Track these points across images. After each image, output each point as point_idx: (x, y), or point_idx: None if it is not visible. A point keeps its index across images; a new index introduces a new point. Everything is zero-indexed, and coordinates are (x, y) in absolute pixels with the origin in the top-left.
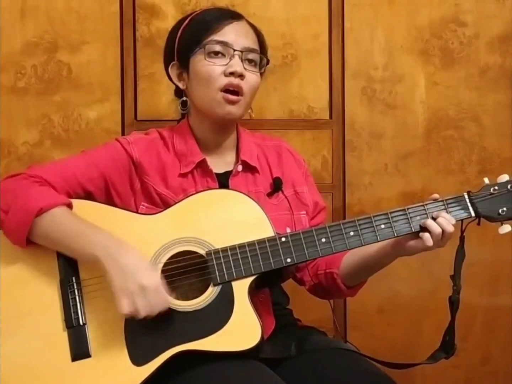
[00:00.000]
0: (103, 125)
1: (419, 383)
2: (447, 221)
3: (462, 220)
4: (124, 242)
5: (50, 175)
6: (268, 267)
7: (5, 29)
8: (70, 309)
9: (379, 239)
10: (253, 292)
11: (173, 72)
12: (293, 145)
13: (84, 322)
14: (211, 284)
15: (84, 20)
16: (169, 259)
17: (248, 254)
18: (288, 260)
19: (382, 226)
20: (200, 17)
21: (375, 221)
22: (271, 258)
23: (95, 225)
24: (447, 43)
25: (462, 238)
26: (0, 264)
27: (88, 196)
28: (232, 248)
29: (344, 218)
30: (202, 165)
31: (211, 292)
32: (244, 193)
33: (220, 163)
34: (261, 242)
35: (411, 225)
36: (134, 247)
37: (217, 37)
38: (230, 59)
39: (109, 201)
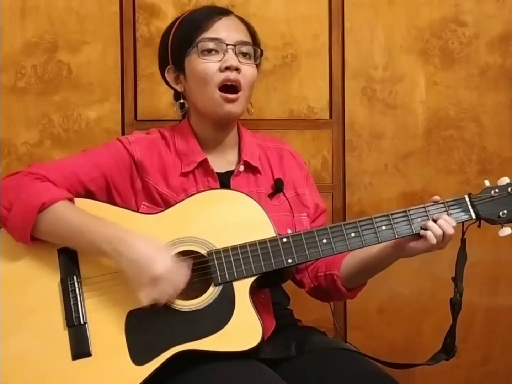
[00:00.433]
0: (103, 125)
1: (419, 383)
2: (447, 223)
3: (463, 222)
4: (130, 232)
5: (51, 174)
6: (269, 268)
7: (5, 29)
8: (71, 308)
9: (380, 240)
10: (254, 292)
11: (169, 76)
12: (293, 145)
13: (85, 321)
14: (212, 284)
15: (84, 20)
16: None
17: (249, 254)
18: (289, 260)
19: (383, 227)
20: (189, 18)
21: (376, 222)
22: (272, 258)
23: (99, 218)
24: (447, 43)
25: (463, 240)
26: (1, 262)
27: (89, 195)
28: (233, 248)
29: (344, 219)
30: (203, 165)
31: (212, 292)
32: (245, 193)
33: (222, 162)
34: (262, 242)
35: (412, 227)
36: (141, 233)
37: (208, 34)
38: (224, 54)
39: (110, 201)
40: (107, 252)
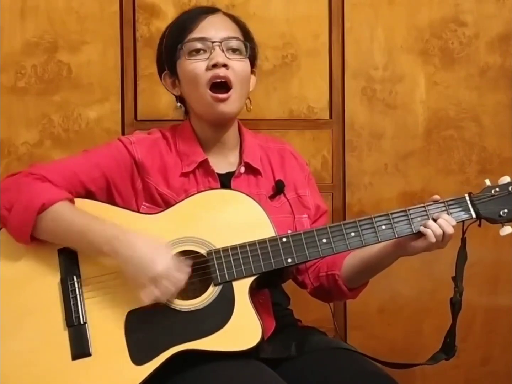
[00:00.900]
0: (103, 125)
1: (419, 383)
2: (447, 222)
3: (463, 222)
4: (129, 232)
5: (52, 174)
6: (269, 267)
7: (5, 29)
8: (71, 308)
9: (380, 240)
10: (254, 292)
11: (166, 82)
12: (293, 145)
13: (84, 321)
14: (212, 283)
15: (84, 20)
16: None
17: (249, 254)
18: (289, 260)
19: (383, 227)
20: (177, 21)
21: (376, 221)
22: (272, 258)
23: (99, 218)
24: (447, 43)
25: (463, 240)
26: (1, 263)
27: (89, 195)
28: (233, 248)
29: (344, 218)
30: (204, 165)
31: (212, 292)
32: (245, 193)
33: (223, 163)
34: (262, 242)
35: (412, 226)
36: (140, 233)
37: (194, 34)
38: (211, 52)
39: (110, 201)
40: (107, 253)
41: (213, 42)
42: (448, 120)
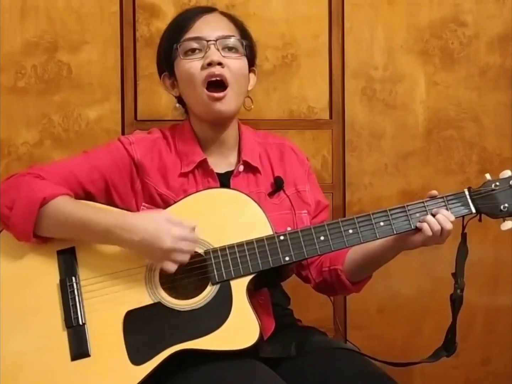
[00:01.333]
0: (103, 125)
1: (419, 383)
2: (445, 218)
3: (463, 217)
4: (128, 216)
5: (51, 175)
6: (266, 266)
7: (5, 29)
8: (69, 309)
9: (378, 237)
10: (253, 293)
11: (165, 83)
12: None
13: (83, 321)
14: (210, 283)
15: (84, 20)
16: None
17: (247, 253)
18: (287, 258)
19: (381, 223)
20: (173, 22)
21: (374, 218)
22: (269, 256)
23: (100, 208)
24: (447, 43)
25: (463, 235)
26: (0, 264)
27: (88, 197)
28: (231, 247)
29: None
30: (203, 165)
31: (210, 291)
32: (243, 192)
33: (222, 163)
34: (259, 241)
35: (411, 222)
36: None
37: (189, 34)
38: (206, 51)
39: (109, 202)
40: (112, 241)
41: (208, 41)
42: (448, 120)
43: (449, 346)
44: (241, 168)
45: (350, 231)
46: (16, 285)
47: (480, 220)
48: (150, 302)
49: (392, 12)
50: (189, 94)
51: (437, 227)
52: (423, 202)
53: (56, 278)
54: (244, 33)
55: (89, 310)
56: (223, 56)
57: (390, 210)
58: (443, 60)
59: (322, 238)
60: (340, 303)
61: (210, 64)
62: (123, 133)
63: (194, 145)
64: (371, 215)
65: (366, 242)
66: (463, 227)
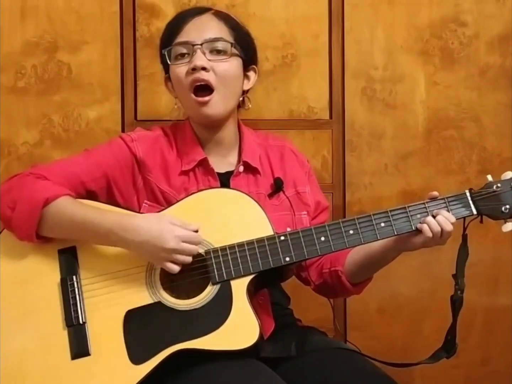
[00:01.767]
0: (103, 125)
1: (418, 383)
2: (446, 219)
3: (464, 218)
4: (131, 217)
5: (53, 175)
6: (267, 266)
7: (5, 29)
8: (70, 307)
9: (379, 238)
10: (253, 293)
11: (168, 85)
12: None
13: (84, 320)
14: (210, 283)
15: (84, 20)
16: None
17: (247, 253)
18: (287, 259)
19: (382, 224)
20: (167, 25)
21: (375, 219)
22: (270, 257)
23: (103, 209)
24: (447, 43)
25: (464, 236)
26: (1, 263)
27: (90, 195)
28: (231, 247)
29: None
30: (203, 164)
31: (210, 291)
32: (244, 192)
33: (222, 163)
34: (260, 241)
35: (411, 223)
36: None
37: (179, 38)
38: (192, 55)
39: (111, 200)
40: (114, 241)
41: (193, 45)
42: (448, 120)
43: (449, 347)
44: (241, 168)
45: (351, 231)
46: (17, 284)
47: (481, 221)
48: (151, 301)
49: (392, 12)
50: (180, 98)
51: (437, 228)
52: (424, 203)
53: (57, 277)
54: (237, 33)
55: (90, 309)
56: (209, 60)
57: (391, 211)
58: (443, 60)
59: (322, 238)
60: (340, 304)
61: (194, 69)
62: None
63: (195, 144)
64: (372, 216)
65: (367, 243)
66: (464, 229)
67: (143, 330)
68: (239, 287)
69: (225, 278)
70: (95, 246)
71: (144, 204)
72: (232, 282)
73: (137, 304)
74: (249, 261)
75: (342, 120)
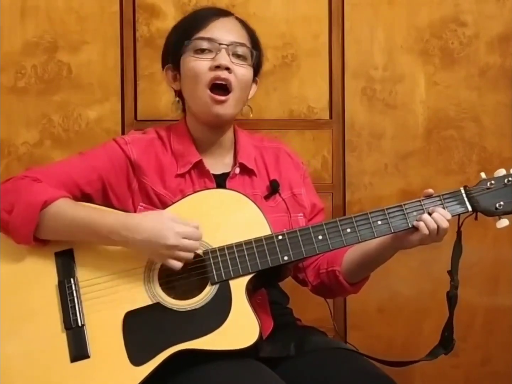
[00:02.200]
0: (103, 125)
1: (418, 383)
2: (442, 216)
3: (459, 215)
4: (130, 216)
5: (48, 178)
6: (265, 265)
7: (5, 29)
8: (68, 310)
9: (376, 235)
10: (251, 293)
11: (168, 75)
12: (293, 145)
13: (82, 323)
14: (209, 283)
15: (84, 20)
16: None
17: (245, 253)
18: (285, 257)
19: (379, 222)
20: (188, 17)
21: (371, 217)
22: (268, 256)
23: (102, 209)
24: (447, 43)
25: (459, 233)
26: None
27: (85, 197)
28: (229, 247)
29: None
30: (199, 166)
31: (209, 291)
32: (241, 193)
33: (217, 164)
34: (258, 240)
35: (408, 221)
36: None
37: (203, 34)
38: (217, 53)
39: (106, 203)
40: (115, 241)
41: (220, 44)
42: (448, 120)
43: (446, 343)
44: (237, 170)
45: (348, 230)
46: (15, 287)
47: (476, 218)
48: (149, 302)
49: (392, 12)
50: (191, 91)
51: (433, 225)
52: (420, 200)
53: (55, 280)
54: (254, 43)
55: (88, 312)
56: (232, 62)
57: (387, 209)
58: (443, 60)
59: (320, 237)
60: (340, 303)
61: (218, 67)
62: (123, 133)
63: (190, 145)
64: (369, 214)
65: (364, 241)
66: (459, 226)
67: (142, 331)
68: (238, 287)
69: (224, 278)
70: (92, 248)
71: (139, 207)
72: (231, 282)
73: (136, 306)
74: (248, 261)
75: (342, 120)
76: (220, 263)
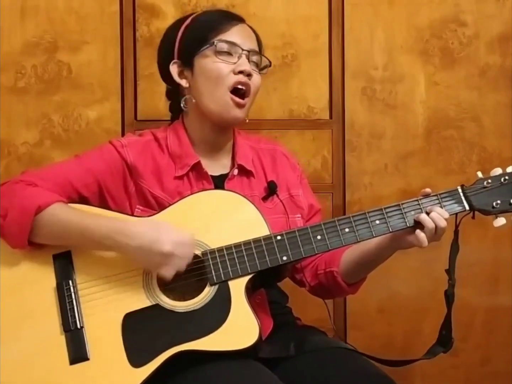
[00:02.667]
0: (103, 125)
1: (418, 383)
2: (439, 216)
3: (456, 214)
4: (126, 222)
5: (44, 181)
6: (264, 266)
7: (5, 29)
8: (67, 312)
9: (374, 235)
10: (250, 293)
11: (174, 70)
12: (293, 145)
13: (81, 325)
14: (208, 284)
15: (84, 20)
16: None
17: (244, 253)
18: (284, 258)
19: (377, 221)
20: (204, 18)
21: (370, 217)
22: (267, 256)
23: (96, 214)
24: (447, 43)
25: (456, 232)
26: None
27: (82, 200)
28: (228, 247)
29: None
30: (196, 168)
31: (208, 292)
32: (239, 193)
33: (215, 165)
34: (256, 241)
35: (406, 220)
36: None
37: (225, 37)
38: (238, 58)
39: (103, 205)
40: (110, 246)
41: (243, 49)
42: (448, 120)
43: (444, 342)
44: (236, 171)
45: (347, 229)
46: (13, 290)
47: (473, 217)
48: (149, 304)
49: (392, 12)
50: (209, 91)
51: (431, 225)
52: (417, 200)
53: (53, 283)
54: (261, 50)
55: (87, 314)
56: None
57: (385, 208)
58: (443, 60)
59: (319, 237)
60: (339, 303)
61: (241, 72)
62: (123, 133)
63: (187, 147)
64: (367, 214)
65: (363, 240)
66: (457, 225)
67: (142, 332)
68: (237, 287)
69: (223, 278)
70: (90, 250)
71: (136, 209)
72: (230, 283)
73: (135, 307)
74: (247, 261)
75: (342, 120)
76: (219, 264)
